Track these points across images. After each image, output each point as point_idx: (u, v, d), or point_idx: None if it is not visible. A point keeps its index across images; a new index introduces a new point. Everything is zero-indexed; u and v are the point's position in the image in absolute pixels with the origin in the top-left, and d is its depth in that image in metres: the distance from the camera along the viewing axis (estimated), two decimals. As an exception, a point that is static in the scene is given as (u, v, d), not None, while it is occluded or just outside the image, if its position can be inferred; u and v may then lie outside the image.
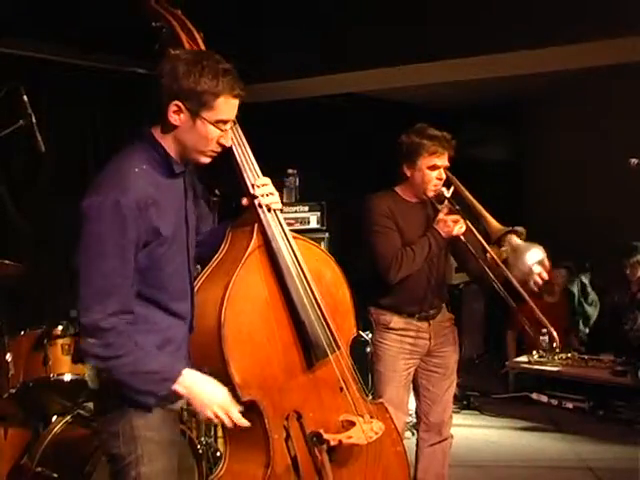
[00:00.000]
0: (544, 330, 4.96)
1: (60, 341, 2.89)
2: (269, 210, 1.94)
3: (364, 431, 1.98)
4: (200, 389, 1.73)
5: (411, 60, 4.21)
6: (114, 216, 1.60)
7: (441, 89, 5.20)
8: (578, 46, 3.74)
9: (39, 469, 2.77)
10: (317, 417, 1.97)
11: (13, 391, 2.79)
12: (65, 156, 4.11)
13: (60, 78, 4.04)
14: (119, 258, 1.62)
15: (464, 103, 6.03)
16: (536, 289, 2.56)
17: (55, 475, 2.73)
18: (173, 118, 1.68)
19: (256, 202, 1.93)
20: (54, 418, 2.92)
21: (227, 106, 1.70)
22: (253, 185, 1.93)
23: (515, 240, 2.55)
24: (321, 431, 1.94)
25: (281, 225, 1.96)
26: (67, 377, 2.86)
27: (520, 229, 2.59)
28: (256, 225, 1.94)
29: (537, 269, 2.53)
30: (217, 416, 1.74)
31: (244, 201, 1.96)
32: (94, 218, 1.61)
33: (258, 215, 1.93)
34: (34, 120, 2.66)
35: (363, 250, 2.77)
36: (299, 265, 1.95)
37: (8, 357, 2.80)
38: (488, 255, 2.61)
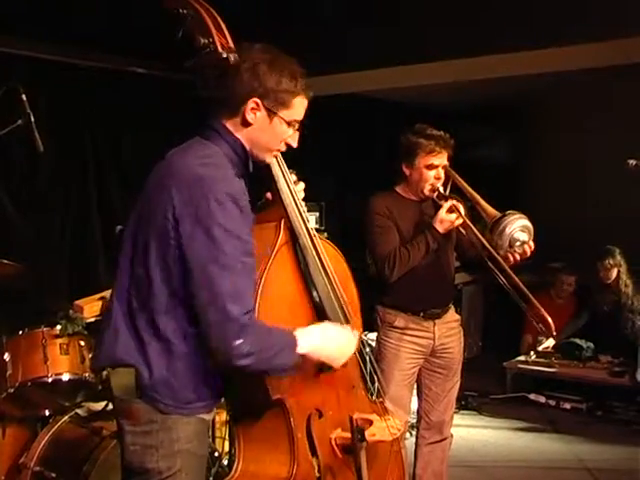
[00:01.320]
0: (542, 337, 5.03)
1: (58, 341, 2.88)
2: (296, 205, 1.89)
3: (387, 427, 1.96)
4: (324, 343, 1.76)
5: (411, 60, 4.21)
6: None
7: (441, 89, 5.20)
8: (578, 47, 3.74)
9: (37, 469, 2.78)
10: (335, 415, 1.96)
11: (11, 391, 2.78)
12: (64, 156, 4.11)
13: (59, 78, 4.03)
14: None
15: (464, 103, 6.02)
16: (518, 258, 2.54)
17: (53, 475, 2.73)
18: (250, 116, 1.68)
19: (285, 197, 1.87)
20: (52, 418, 2.92)
21: (301, 106, 1.73)
22: (286, 180, 1.88)
23: (500, 221, 2.53)
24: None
25: (306, 221, 1.92)
26: (65, 377, 2.85)
27: (513, 212, 2.56)
28: (283, 220, 1.89)
29: (522, 236, 2.50)
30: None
31: (268, 195, 1.94)
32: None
33: (286, 210, 1.89)
34: (33, 120, 2.65)
35: (366, 250, 2.78)
36: (325, 262, 1.93)
37: (6, 357, 2.80)
38: (482, 241, 2.60)
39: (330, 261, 1.97)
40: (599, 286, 5.15)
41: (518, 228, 2.51)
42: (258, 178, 1.89)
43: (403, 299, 2.77)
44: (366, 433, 1.90)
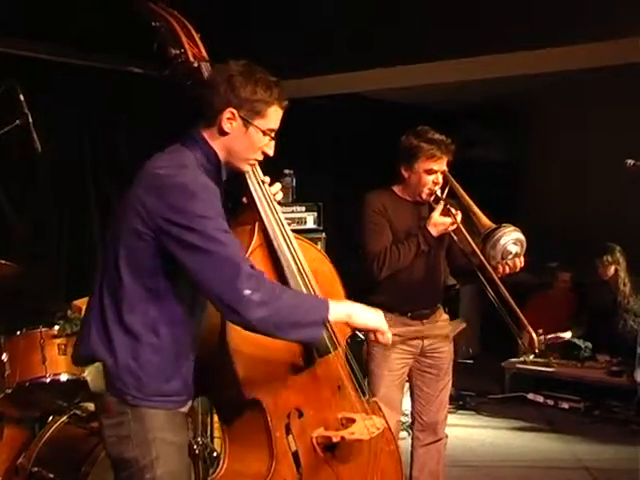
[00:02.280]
0: (540, 331, 5.04)
1: (57, 341, 2.88)
2: (270, 208, 1.94)
3: (366, 427, 1.99)
4: (356, 308, 1.81)
5: (410, 60, 4.21)
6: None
7: (440, 89, 5.20)
8: (578, 47, 3.74)
9: (35, 469, 2.77)
10: (317, 415, 1.99)
11: (9, 391, 2.78)
12: (62, 156, 4.10)
13: (57, 77, 4.03)
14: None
15: (463, 103, 6.02)
16: (508, 270, 2.53)
17: (51, 475, 2.73)
18: (226, 125, 1.75)
19: (258, 200, 1.93)
20: (50, 418, 2.92)
21: (276, 115, 1.80)
22: (259, 183, 1.93)
23: (494, 232, 2.52)
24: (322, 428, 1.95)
25: (282, 224, 1.96)
26: (64, 377, 2.84)
27: (507, 225, 2.56)
28: (257, 223, 1.94)
29: (515, 249, 2.51)
30: (380, 332, 1.83)
31: (244, 199, 1.97)
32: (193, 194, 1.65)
33: (259, 214, 1.93)
34: (31, 120, 2.65)
35: (357, 248, 2.78)
36: (300, 264, 1.96)
37: (4, 357, 2.80)
38: (475, 257, 2.59)
39: (313, 263, 2.00)
40: (597, 284, 5.15)
41: (511, 241, 2.50)
42: (237, 184, 1.93)
43: (391, 299, 2.74)
44: (345, 432, 1.95)
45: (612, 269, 5.01)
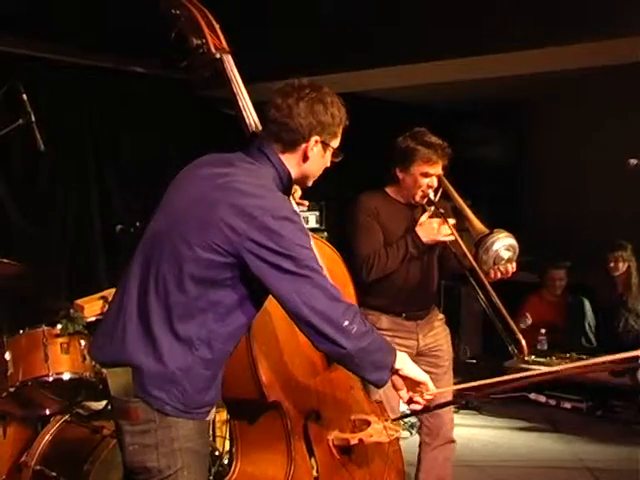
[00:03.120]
0: (543, 331, 5.02)
1: (59, 340, 2.88)
2: None
3: (384, 428, 1.98)
4: (407, 358, 1.81)
5: (410, 60, 4.21)
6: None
7: (440, 89, 5.20)
8: (578, 46, 3.74)
9: (38, 467, 2.78)
10: (333, 417, 1.98)
11: (12, 390, 2.78)
12: (64, 155, 4.12)
13: (59, 77, 4.04)
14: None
15: (463, 103, 6.03)
16: (500, 275, 2.52)
17: (54, 474, 2.73)
18: (311, 152, 1.77)
19: None
20: (53, 417, 2.92)
21: (341, 133, 1.85)
22: None
23: (487, 238, 2.52)
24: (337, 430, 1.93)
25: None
26: (66, 376, 2.84)
27: (500, 231, 2.55)
28: None
29: (507, 255, 2.50)
30: (425, 386, 1.81)
31: None
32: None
33: None
34: (33, 119, 2.66)
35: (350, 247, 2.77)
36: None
37: (7, 356, 2.80)
38: (466, 260, 2.58)
39: (327, 262, 1.98)
40: (604, 281, 5.14)
41: (504, 247, 2.50)
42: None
43: (384, 301, 2.75)
44: (363, 434, 1.93)
45: (624, 265, 5.01)
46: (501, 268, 2.52)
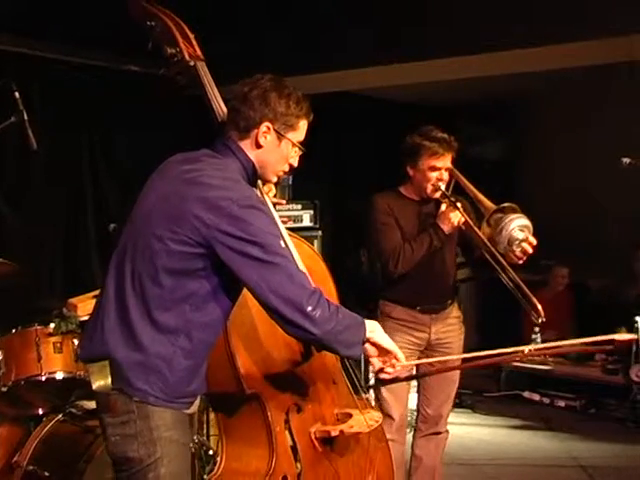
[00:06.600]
0: (536, 329, 5.02)
1: (52, 339, 2.87)
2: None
3: (365, 419, 2.01)
4: (378, 326, 1.85)
5: (409, 59, 4.21)
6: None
7: (439, 88, 5.20)
8: (577, 45, 3.75)
9: (31, 467, 2.76)
10: (315, 410, 2.01)
11: (5, 389, 2.77)
12: (58, 153, 4.10)
13: (53, 75, 4.03)
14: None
15: (462, 102, 6.03)
16: (522, 255, 2.59)
17: (47, 473, 2.72)
18: (262, 139, 1.80)
19: None
20: (46, 416, 2.91)
21: (304, 128, 1.88)
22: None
23: (497, 214, 2.60)
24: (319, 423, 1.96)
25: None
26: (59, 375, 2.83)
27: (510, 205, 2.63)
28: None
29: (520, 235, 2.56)
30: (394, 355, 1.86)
31: None
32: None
33: None
34: (26, 117, 2.64)
35: (369, 247, 2.81)
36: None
37: (-1, 355, 2.80)
38: (481, 237, 2.65)
39: (307, 260, 2.02)
40: (628, 279, 5.13)
41: (518, 227, 2.57)
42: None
43: (401, 293, 2.84)
44: (344, 426, 1.96)
45: None
46: (516, 248, 2.58)
